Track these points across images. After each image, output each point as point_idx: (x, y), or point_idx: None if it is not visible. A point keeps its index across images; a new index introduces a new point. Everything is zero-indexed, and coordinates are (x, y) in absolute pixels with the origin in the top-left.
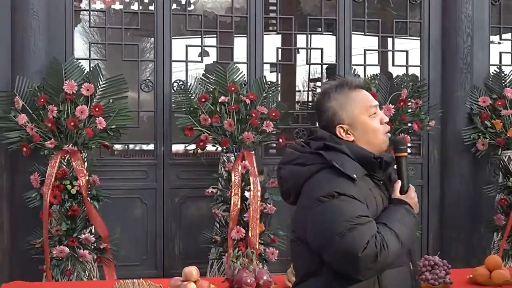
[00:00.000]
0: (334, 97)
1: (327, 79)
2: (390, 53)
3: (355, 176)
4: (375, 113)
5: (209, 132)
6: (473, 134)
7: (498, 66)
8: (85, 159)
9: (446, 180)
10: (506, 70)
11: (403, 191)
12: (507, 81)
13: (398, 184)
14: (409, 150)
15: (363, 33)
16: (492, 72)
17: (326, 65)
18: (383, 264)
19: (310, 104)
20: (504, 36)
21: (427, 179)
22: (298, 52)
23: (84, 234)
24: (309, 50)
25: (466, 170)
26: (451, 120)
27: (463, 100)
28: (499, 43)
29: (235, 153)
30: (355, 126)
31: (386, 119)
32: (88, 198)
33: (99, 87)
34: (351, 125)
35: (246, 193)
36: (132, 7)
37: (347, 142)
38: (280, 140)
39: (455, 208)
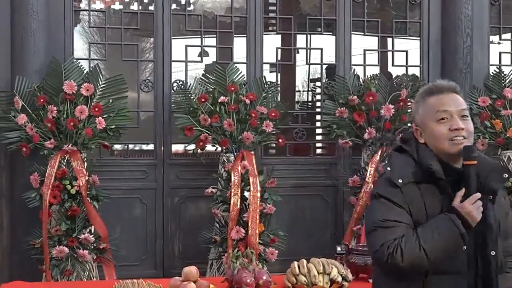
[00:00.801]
0: (417, 99)
1: (327, 79)
2: (389, 53)
3: (400, 181)
4: (443, 119)
5: (208, 132)
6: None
7: (498, 66)
8: (85, 159)
9: None
10: (506, 70)
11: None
12: (507, 81)
13: (461, 192)
14: None
15: (362, 33)
16: (492, 72)
17: (326, 65)
18: (399, 266)
19: (309, 104)
20: (503, 36)
21: None
22: (298, 52)
23: (84, 234)
24: (308, 50)
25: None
26: None
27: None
28: (498, 43)
29: (235, 153)
30: (424, 129)
31: (458, 125)
32: (87, 198)
33: (99, 87)
34: (421, 128)
35: (246, 193)
36: (131, 7)
37: (422, 145)
38: (280, 140)
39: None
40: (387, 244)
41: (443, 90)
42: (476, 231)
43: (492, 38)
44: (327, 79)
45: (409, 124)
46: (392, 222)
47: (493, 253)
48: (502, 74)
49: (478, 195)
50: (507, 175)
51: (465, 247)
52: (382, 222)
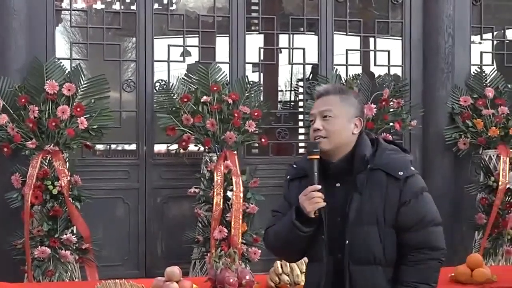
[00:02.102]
0: None
1: (309, 79)
2: (372, 53)
3: (288, 177)
4: (311, 121)
5: (191, 132)
6: (454, 134)
7: (479, 66)
8: (67, 159)
9: (428, 179)
10: (487, 69)
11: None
12: (488, 81)
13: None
14: None
15: (345, 33)
16: (473, 72)
17: (309, 65)
18: (269, 248)
19: (292, 103)
20: (485, 36)
21: None
22: (280, 52)
23: (66, 234)
24: (291, 50)
25: (447, 169)
26: (433, 119)
27: (445, 99)
28: (480, 43)
29: (218, 153)
30: None
31: (314, 126)
32: (69, 199)
33: (81, 87)
34: None
35: (229, 193)
36: (113, 6)
37: None
38: (263, 140)
39: (436, 207)
40: (267, 229)
41: (317, 95)
42: (335, 220)
43: (473, 38)
44: (309, 79)
45: (391, 124)
46: (275, 212)
47: (347, 242)
48: (483, 74)
49: (314, 187)
50: (401, 173)
51: (322, 236)
52: (272, 212)
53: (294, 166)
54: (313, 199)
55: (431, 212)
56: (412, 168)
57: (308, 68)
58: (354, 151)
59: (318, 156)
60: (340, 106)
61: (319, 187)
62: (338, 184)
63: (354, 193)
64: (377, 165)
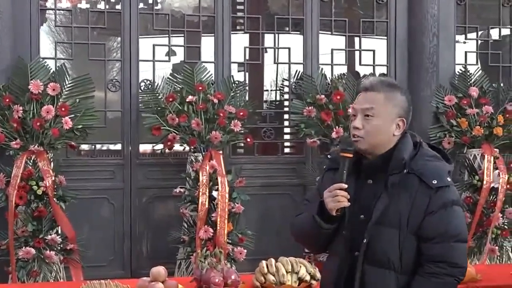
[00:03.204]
0: None
1: (295, 79)
2: (357, 53)
3: (324, 167)
4: (353, 115)
5: (176, 132)
6: (439, 133)
7: (464, 65)
8: (51, 160)
9: None
10: (471, 69)
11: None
12: (472, 80)
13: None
14: None
15: (330, 33)
16: (458, 71)
17: (294, 65)
18: (293, 236)
19: (277, 103)
20: (469, 35)
21: None
22: (266, 52)
23: (51, 235)
24: (276, 50)
25: None
26: (417, 118)
27: (429, 99)
28: (464, 42)
29: (203, 153)
30: None
31: (353, 124)
32: (54, 199)
33: (65, 87)
34: None
35: (214, 193)
36: (98, 6)
37: None
38: (248, 140)
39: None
40: (295, 217)
41: (362, 88)
42: (359, 217)
43: (458, 37)
44: (295, 79)
45: None
46: (306, 201)
47: (365, 241)
48: (468, 73)
49: (339, 185)
50: (435, 181)
51: (344, 231)
52: (304, 200)
53: (329, 156)
54: (336, 197)
55: (457, 227)
56: (448, 179)
57: (294, 68)
58: (393, 152)
59: (351, 155)
60: (384, 105)
61: (345, 186)
62: (370, 181)
63: (383, 192)
64: (412, 169)
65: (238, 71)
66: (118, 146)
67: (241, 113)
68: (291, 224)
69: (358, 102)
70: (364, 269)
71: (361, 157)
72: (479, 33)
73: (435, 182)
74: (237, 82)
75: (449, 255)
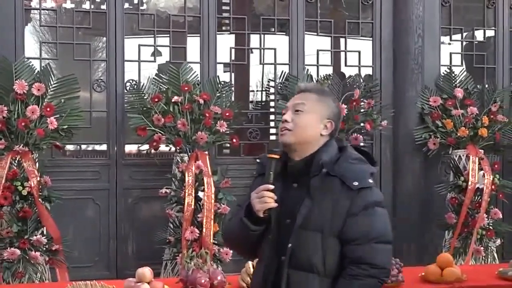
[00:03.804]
0: None
1: (281, 79)
2: (342, 54)
3: (254, 173)
4: (284, 113)
5: (162, 132)
6: (424, 134)
7: (449, 67)
8: (36, 160)
9: (398, 179)
10: (456, 70)
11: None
12: (457, 81)
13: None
14: None
15: (315, 34)
16: (443, 73)
17: (280, 65)
18: (224, 241)
19: (263, 104)
20: (454, 37)
21: (379, 178)
22: (252, 52)
23: (36, 235)
24: (262, 50)
25: (417, 169)
26: (403, 119)
27: (414, 100)
28: (449, 43)
29: (189, 153)
30: None
31: (284, 117)
32: (39, 199)
33: (50, 87)
34: None
35: (200, 194)
36: (83, 6)
37: None
38: (234, 140)
39: (407, 207)
40: (226, 222)
41: (298, 91)
42: (285, 221)
43: (443, 38)
44: (281, 79)
45: (362, 124)
46: (238, 206)
47: (289, 245)
48: (453, 74)
49: (265, 186)
50: (356, 183)
51: (270, 235)
52: (236, 206)
53: (258, 161)
54: (263, 199)
55: (379, 228)
56: (370, 181)
57: (279, 68)
58: (316, 154)
59: (277, 156)
60: (315, 104)
61: (272, 187)
62: (295, 185)
63: (305, 197)
64: (335, 172)
65: (224, 72)
66: (104, 147)
67: (227, 114)
68: (223, 228)
69: (291, 101)
70: (289, 273)
71: (288, 160)
72: (464, 34)
73: (356, 184)
74: (223, 83)
75: (371, 256)
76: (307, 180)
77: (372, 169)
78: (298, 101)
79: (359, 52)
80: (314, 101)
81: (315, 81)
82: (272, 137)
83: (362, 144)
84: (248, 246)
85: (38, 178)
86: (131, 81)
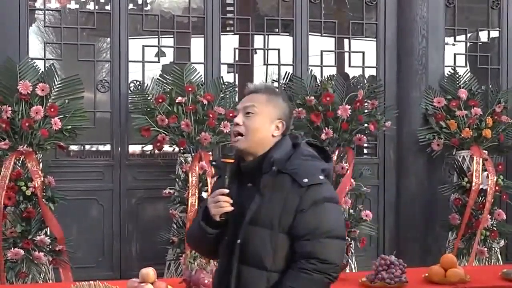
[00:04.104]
0: None
1: (285, 80)
2: (346, 54)
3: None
4: (235, 116)
5: (166, 133)
6: (428, 135)
7: (453, 67)
8: (40, 160)
9: (402, 180)
10: (461, 71)
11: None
12: (461, 82)
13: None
14: (365, 151)
15: (319, 34)
16: (447, 73)
17: (284, 66)
18: (187, 241)
19: None
20: (458, 37)
21: (383, 179)
22: (256, 53)
23: (39, 236)
24: (266, 51)
25: (421, 170)
26: (407, 120)
27: (418, 100)
28: (453, 44)
29: (192, 154)
30: None
31: (234, 120)
32: (43, 200)
33: (55, 87)
34: None
35: (204, 194)
36: (88, 6)
37: None
38: None
39: (410, 208)
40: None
41: (247, 92)
42: (240, 220)
43: (447, 39)
44: (285, 80)
45: (366, 125)
46: (201, 208)
47: (238, 241)
48: (457, 75)
49: (220, 191)
50: (306, 180)
51: (226, 236)
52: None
53: (214, 163)
54: (218, 203)
55: (329, 223)
56: (321, 177)
57: (283, 69)
58: (268, 153)
59: (232, 160)
60: (264, 105)
61: (227, 191)
62: (249, 184)
63: (256, 194)
64: (286, 169)
65: (228, 72)
66: (108, 147)
67: (231, 114)
68: (187, 230)
69: (241, 103)
70: (240, 269)
71: (241, 161)
72: (468, 35)
73: (306, 180)
74: (226, 83)
75: (320, 251)
76: (260, 178)
77: (324, 165)
78: (248, 103)
79: (363, 53)
80: (264, 103)
81: (318, 82)
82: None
83: (366, 145)
84: (207, 248)
85: (42, 179)
86: (135, 81)
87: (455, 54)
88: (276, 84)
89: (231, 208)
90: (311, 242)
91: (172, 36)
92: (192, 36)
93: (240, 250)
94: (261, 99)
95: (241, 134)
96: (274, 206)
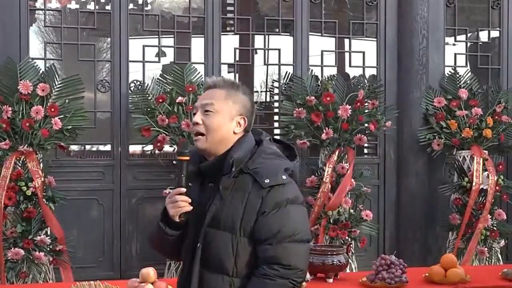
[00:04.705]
0: None
1: (286, 80)
2: (347, 54)
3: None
4: (195, 113)
5: (166, 133)
6: (428, 135)
7: (453, 67)
8: (41, 160)
9: (402, 180)
10: (461, 71)
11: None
12: (462, 82)
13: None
14: (365, 151)
15: (320, 34)
16: (447, 73)
17: (284, 66)
18: (148, 242)
19: (267, 104)
20: (458, 37)
21: (383, 179)
22: (256, 53)
23: (40, 236)
24: (266, 51)
25: (421, 170)
26: (407, 120)
27: (419, 100)
28: (453, 44)
29: None
30: None
31: (193, 120)
32: (43, 200)
33: (55, 87)
34: None
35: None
36: (88, 6)
37: None
38: None
39: (411, 208)
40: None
41: (206, 87)
42: (200, 221)
43: (447, 39)
44: (285, 80)
45: (366, 125)
46: (163, 208)
47: (198, 245)
48: (457, 75)
49: (177, 190)
50: (268, 180)
51: (187, 238)
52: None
53: (175, 163)
54: (176, 203)
55: (292, 226)
56: (284, 177)
57: (284, 69)
58: (229, 151)
59: (187, 158)
60: (224, 101)
61: (184, 190)
62: (211, 184)
63: (216, 195)
64: (248, 169)
65: (228, 72)
66: (108, 147)
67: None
68: (149, 232)
69: (200, 99)
70: (201, 274)
71: (201, 160)
72: (468, 35)
73: (267, 181)
74: None
75: (283, 256)
76: (221, 178)
77: (288, 164)
78: (206, 101)
79: (364, 53)
80: (223, 99)
81: (319, 82)
82: (276, 138)
83: (366, 145)
84: (169, 250)
85: (42, 179)
86: (135, 81)
87: (455, 54)
88: (276, 84)
89: (190, 208)
90: (273, 246)
91: (172, 36)
92: (193, 36)
93: (201, 254)
94: (220, 95)
95: (201, 134)
96: (235, 208)
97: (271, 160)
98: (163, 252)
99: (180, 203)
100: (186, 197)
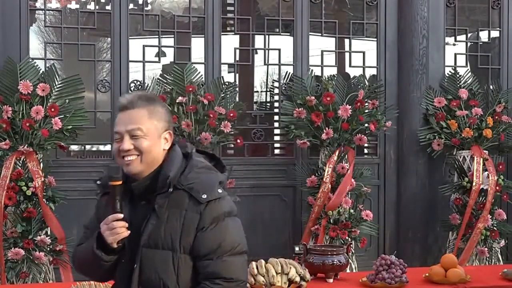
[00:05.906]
0: None
1: (286, 80)
2: (347, 54)
3: (98, 192)
4: (117, 139)
5: None
6: (428, 135)
7: (453, 67)
8: (41, 160)
9: (402, 180)
10: (461, 71)
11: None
12: (462, 82)
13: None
14: (366, 151)
15: (320, 34)
16: (447, 73)
17: (284, 66)
18: (76, 269)
19: (268, 104)
20: (458, 37)
21: (383, 179)
22: (256, 53)
23: (40, 236)
24: (267, 51)
25: (421, 170)
26: (407, 120)
27: (419, 100)
28: (454, 44)
29: None
30: None
31: (123, 147)
32: (43, 200)
33: (55, 87)
34: None
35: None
36: (88, 6)
37: None
38: (238, 141)
39: (411, 208)
40: (76, 248)
41: (120, 108)
42: (135, 241)
43: (447, 39)
44: (285, 80)
45: (366, 125)
46: (84, 228)
47: (135, 265)
48: (457, 75)
49: (114, 217)
50: (205, 196)
51: (123, 259)
52: (84, 228)
53: (98, 183)
54: (114, 230)
55: (231, 240)
56: (219, 191)
57: (284, 69)
58: (160, 169)
59: (120, 182)
60: (149, 123)
61: (121, 216)
62: (143, 202)
63: (151, 214)
64: (182, 185)
65: (228, 72)
66: (108, 147)
67: (231, 114)
68: (73, 255)
69: (121, 123)
70: None
71: (131, 180)
72: (469, 35)
73: (204, 196)
74: (227, 83)
75: (224, 270)
76: (154, 196)
77: (221, 177)
78: (132, 126)
79: (364, 53)
80: (147, 120)
81: (319, 82)
82: (277, 138)
83: (366, 145)
84: (101, 274)
85: (43, 179)
86: (135, 81)
87: (455, 54)
88: (276, 84)
89: (128, 233)
90: (214, 261)
91: (172, 36)
92: (193, 36)
93: (139, 274)
94: (143, 116)
95: (135, 155)
96: (172, 225)
97: (204, 174)
98: (94, 276)
99: (119, 230)
100: (123, 223)
